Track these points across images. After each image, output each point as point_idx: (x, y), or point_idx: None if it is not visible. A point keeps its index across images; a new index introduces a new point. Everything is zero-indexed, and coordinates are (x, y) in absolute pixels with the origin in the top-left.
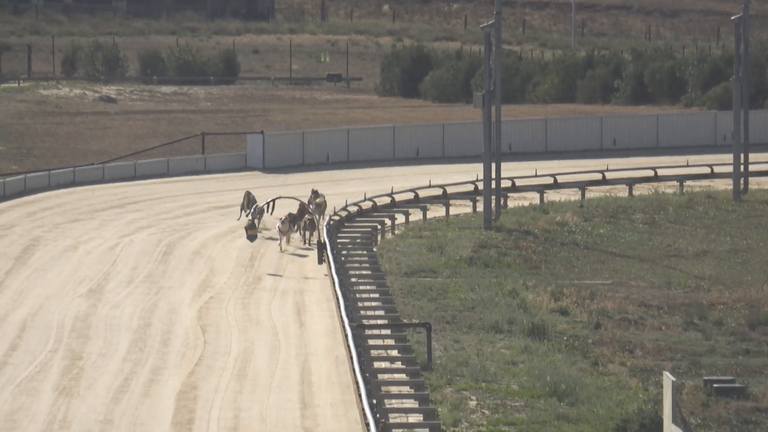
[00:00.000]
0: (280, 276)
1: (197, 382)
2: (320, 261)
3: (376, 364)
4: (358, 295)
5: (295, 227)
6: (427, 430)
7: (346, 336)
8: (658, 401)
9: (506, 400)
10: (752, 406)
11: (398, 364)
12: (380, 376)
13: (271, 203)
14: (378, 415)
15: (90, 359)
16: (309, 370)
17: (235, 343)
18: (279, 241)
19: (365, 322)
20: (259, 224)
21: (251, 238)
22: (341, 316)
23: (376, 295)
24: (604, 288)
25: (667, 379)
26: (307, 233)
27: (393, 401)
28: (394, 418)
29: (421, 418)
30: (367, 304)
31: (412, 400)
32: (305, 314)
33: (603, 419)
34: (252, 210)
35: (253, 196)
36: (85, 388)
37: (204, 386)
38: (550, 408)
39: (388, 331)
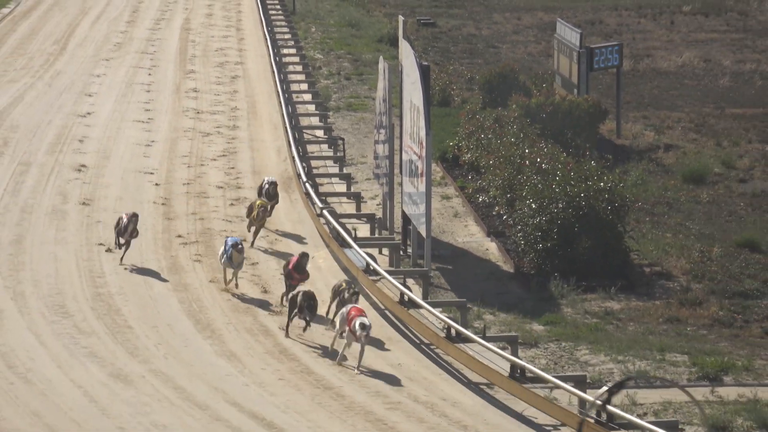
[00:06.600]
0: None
1: (191, 20)
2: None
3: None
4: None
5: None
6: (293, 42)
7: None
8: (396, 28)
9: (328, 29)
10: (438, 31)
11: (279, 12)
12: (272, 20)
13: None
14: (272, 45)
15: (142, 10)
16: (242, 29)
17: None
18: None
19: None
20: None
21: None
22: None
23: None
24: None
25: (401, 20)
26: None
27: (278, 35)
28: (283, 50)
29: (290, 40)
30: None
31: (286, 29)
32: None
33: (372, 36)
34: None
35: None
36: (140, 20)
37: (193, 21)
38: (347, 32)
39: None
